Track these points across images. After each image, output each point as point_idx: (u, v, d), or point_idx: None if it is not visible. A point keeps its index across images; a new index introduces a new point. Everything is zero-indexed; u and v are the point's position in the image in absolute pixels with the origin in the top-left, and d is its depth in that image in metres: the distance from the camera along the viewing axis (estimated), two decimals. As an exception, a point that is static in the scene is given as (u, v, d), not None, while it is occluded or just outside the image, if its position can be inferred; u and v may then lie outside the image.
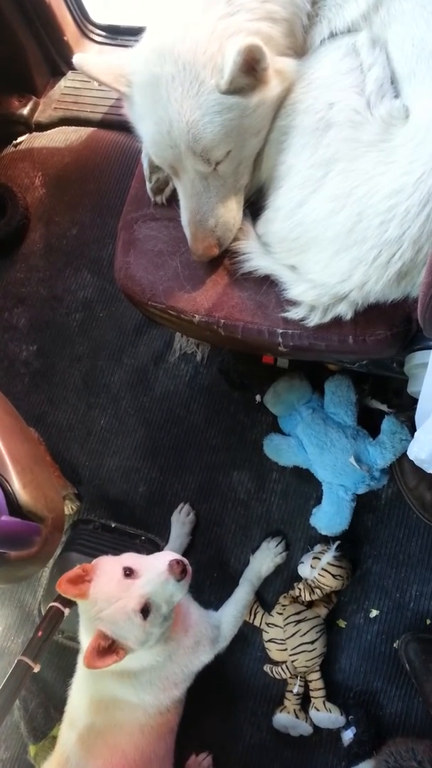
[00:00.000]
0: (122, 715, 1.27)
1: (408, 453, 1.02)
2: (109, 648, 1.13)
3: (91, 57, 1.05)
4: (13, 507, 1.16)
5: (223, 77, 0.95)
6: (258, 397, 1.82)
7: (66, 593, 1.15)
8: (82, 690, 1.31)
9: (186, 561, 1.19)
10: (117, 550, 1.69)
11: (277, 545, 1.68)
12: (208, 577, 1.72)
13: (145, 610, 1.13)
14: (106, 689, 1.27)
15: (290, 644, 1.54)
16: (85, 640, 1.20)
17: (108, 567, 1.21)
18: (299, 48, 1.06)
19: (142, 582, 1.15)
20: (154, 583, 1.15)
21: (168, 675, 1.30)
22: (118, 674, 1.25)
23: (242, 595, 1.57)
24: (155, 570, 1.16)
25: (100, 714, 1.27)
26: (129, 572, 1.17)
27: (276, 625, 1.58)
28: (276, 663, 1.60)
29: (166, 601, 1.17)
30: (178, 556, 1.19)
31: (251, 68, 0.95)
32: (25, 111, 2.28)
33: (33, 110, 2.30)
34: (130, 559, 1.23)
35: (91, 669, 1.09)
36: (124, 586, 1.15)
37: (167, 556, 1.19)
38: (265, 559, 1.66)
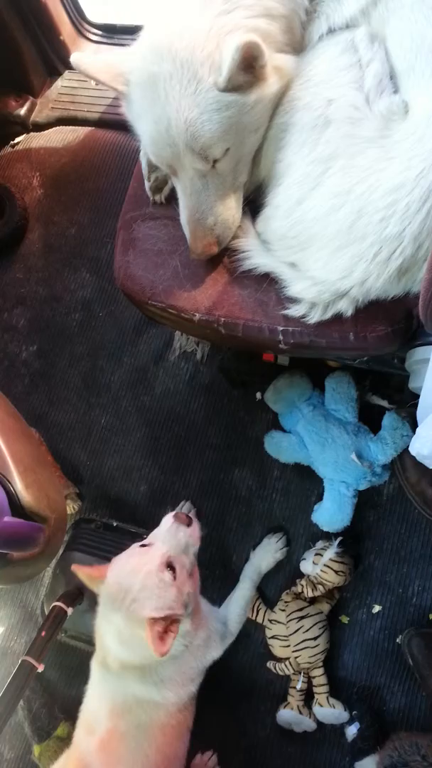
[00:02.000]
0: (145, 716, 1.26)
1: (410, 449, 1.03)
2: (164, 631, 1.13)
3: (88, 56, 1.04)
4: (16, 508, 1.16)
5: (221, 75, 0.94)
6: (258, 395, 1.82)
7: (81, 571, 1.23)
8: (102, 694, 1.29)
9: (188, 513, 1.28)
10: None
11: (277, 541, 1.69)
12: (210, 574, 1.73)
13: (171, 567, 1.17)
14: (128, 690, 1.26)
15: (293, 641, 1.54)
16: (106, 627, 1.21)
17: (123, 556, 1.24)
18: (297, 44, 1.06)
19: (158, 544, 1.21)
20: (167, 538, 1.21)
21: (185, 669, 1.30)
22: (140, 674, 1.24)
23: (244, 591, 1.57)
24: (163, 529, 1.24)
25: (123, 717, 1.26)
26: (144, 545, 1.23)
27: (279, 622, 1.59)
28: (279, 659, 1.60)
29: (184, 552, 1.22)
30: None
31: (249, 65, 0.95)
32: (22, 111, 2.28)
33: (30, 110, 2.30)
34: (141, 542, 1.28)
35: (163, 656, 1.10)
36: (143, 555, 1.20)
37: (168, 515, 1.27)
38: (266, 554, 1.66)
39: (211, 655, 1.37)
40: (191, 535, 1.24)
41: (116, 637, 1.20)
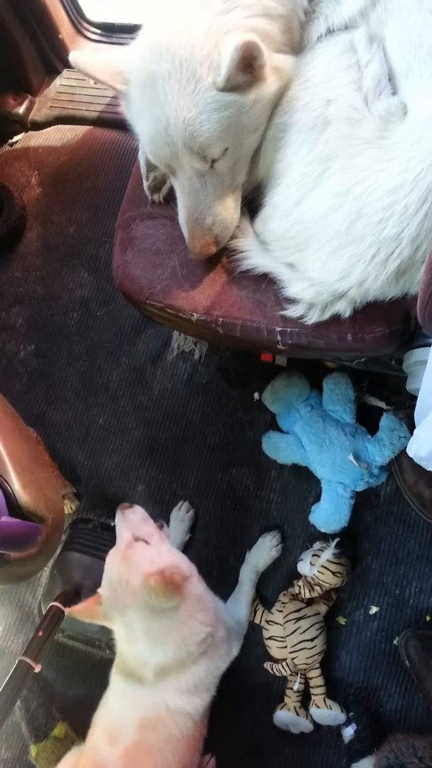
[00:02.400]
0: (176, 729, 1.26)
1: (407, 450, 1.02)
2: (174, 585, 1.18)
3: (87, 55, 1.04)
4: (13, 507, 1.16)
5: (220, 74, 0.94)
6: (256, 395, 1.82)
7: (77, 613, 1.28)
8: (131, 706, 1.28)
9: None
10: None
11: (272, 539, 1.69)
12: (208, 574, 1.70)
13: (139, 539, 1.28)
14: (162, 703, 1.26)
15: (290, 641, 1.54)
16: (130, 638, 1.24)
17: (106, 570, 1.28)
18: (296, 45, 1.06)
19: (120, 535, 1.31)
20: (121, 526, 1.32)
21: (212, 670, 1.31)
22: (175, 681, 1.25)
23: (245, 593, 1.59)
24: (118, 524, 1.34)
25: (154, 730, 1.25)
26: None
27: (276, 623, 1.58)
28: (276, 660, 1.60)
29: (144, 522, 1.33)
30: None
31: (248, 65, 0.95)
32: (21, 110, 2.27)
33: (29, 109, 2.29)
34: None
35: (175, 592, 1.16)
36: (114, 551, 1.28)
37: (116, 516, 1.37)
38: (262, 553, 1.66)
39: (231, 655, 1.39)
40: (137, 511, 1.34)
41: (145, 637, 1.21)
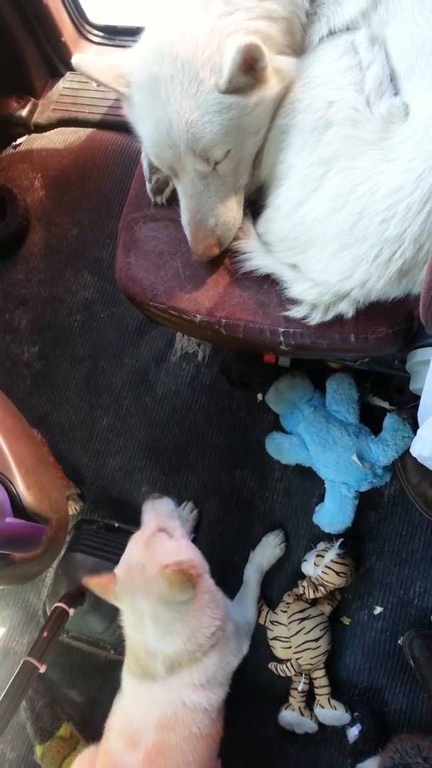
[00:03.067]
0: (195, 727, 1.25)
1: (411, 450, 1.02)
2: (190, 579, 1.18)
3: (89, 57, 1.04)
4: (18, 508, 1.16)
5: (222, 77, 0.94)
6: (260, 396, 1.82)
7: (93, 583, 1.28)
8: (149, 707, 1.27)
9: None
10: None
11: (275, 537, 1.69)
12: (212, 574, 1.71)
13: (163, 530, 1.31)
14: (179, 700, 1.25)
15: (295, 642, 1.54)
16: (141, 627, 1.24)
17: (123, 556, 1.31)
18: (298, 46, 1.06)
19: (145, 523, 1.35)
20: (148, 514, 1.36)
21: (223, 665, 1.31)
22: (188, 675, 1.25)
23: (251, 594, 1.59)
24: (145, 513, 1.38)
25: (173, 730, 1.25)
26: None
27: (280, 623, 1.59)
28: (280, 661, 1.60)
29: (170, 518, 1.36)
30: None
31: (250, 67, 0.95)
32: (24, 112, 2.28)
33: (32, 112, 2.30)
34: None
35: (190, 584, 1.16)
36: (137, 538, 1.30)
37: (144, 505, 1.41)
38: (265, 551, 1.67)
39: (242, 652, 1.39)
40: (164, 502, 1.39)
41: (154, 625, 1.22)
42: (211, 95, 0.97)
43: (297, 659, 1.54)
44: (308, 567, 1.60)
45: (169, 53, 0.96)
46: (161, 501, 1.39)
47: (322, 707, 1.54)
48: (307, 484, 1.74)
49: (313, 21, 1.05)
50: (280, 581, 1.69)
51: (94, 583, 1.28)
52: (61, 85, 2.33)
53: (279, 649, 1.59)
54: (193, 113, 0.97)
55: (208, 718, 1.27)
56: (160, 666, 1.24)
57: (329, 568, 1.55)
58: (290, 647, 1.55)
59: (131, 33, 1.09)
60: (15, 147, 2.32)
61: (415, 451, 1.01)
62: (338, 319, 1.10)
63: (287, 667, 1.57)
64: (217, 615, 1.28)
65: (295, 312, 1.12)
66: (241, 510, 1.77)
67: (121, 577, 1.25)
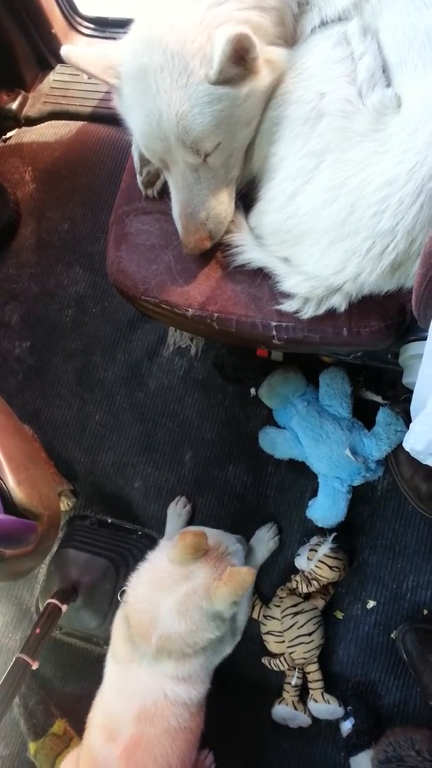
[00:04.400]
0: (174, 720, 1.26)
1: (404, 444, 1.02)
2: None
3: (79, 49, 1.03)
4: (8, 505, 1.15)
5: (212, 67, 0.93)
6: (252, 391, 1.82)
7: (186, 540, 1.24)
8: (129, 698, 1.27)
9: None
10: (114, 546, 1.70)
11: (269, 530, 1.69)
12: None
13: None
14: (160, 691, 1.25)
15: (288, 636, 1.54)
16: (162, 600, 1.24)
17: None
18: (289, 37, 1.05)
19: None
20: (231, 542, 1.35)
21: (206, 665, 1.32)
22: (173, 666, 1.25)
23: None
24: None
25: (152, 722, 1.25)
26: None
27: (273, 618, 1.59)
28: (274, 655, 1.60)
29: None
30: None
31: (241, 58, 0.94)
32: (14, 105, 2.26)
33: (22, 105, 2.28)
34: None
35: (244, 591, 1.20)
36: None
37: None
38: (259, 546, 1.67)
39: (225, 652, 1.39)
40: (238, 545, 1.37)
41: (179, 599, 1.22)
42: (201, 86, 0.96)
43: (290, 653, 1.54)
44: (301, 561, 1.61)
45: (159, 44, 0.95)
46: (237, 541, 1.39)
47: (316, 701, 1.55)
48: (301, 478, 1.74)
49: (304, 11, 1.04)
50: (273, 576, 1.70)
51: (192, 541, 1.24)
52: (52, 77, 2.31)
53: (272, 644, 1.59)
54: (184, 105, 0.96)
55: (187, 711, 1.28)
56: (154, 642, 1.23)
57: (322, 562, 1.55)
58: (283, 641, 1.55)
59: (122, 24, 1.07)
60: (5, 140, 2.30)
61: (407, 445, 1.00)
62: (331, 313, 1.10)
63: (281, 662, 1.57)
64: (221, 628, 1.28)
65: (288, 306, 1.11)
66: (235, 505, 1.77)
67: (209, 542, 1.27)
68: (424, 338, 1.12)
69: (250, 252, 1.13)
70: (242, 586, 1.18)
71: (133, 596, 1.30)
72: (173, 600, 1.22)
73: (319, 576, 1.56)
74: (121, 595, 1.34)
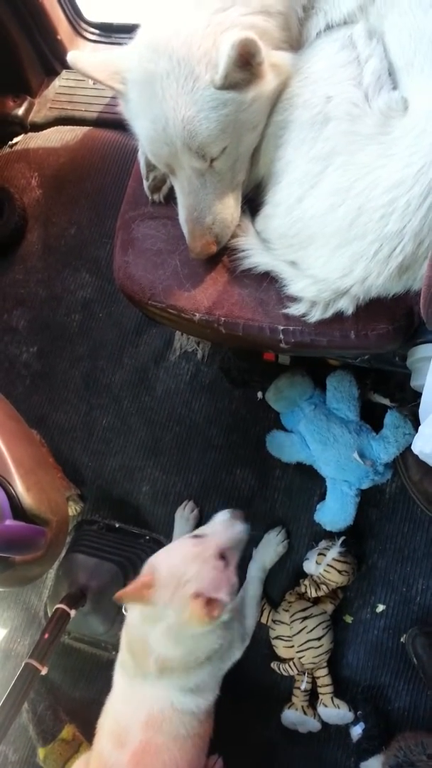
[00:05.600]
0: (183, 728, 1.25)
1: (412, 447, 1.02)
2: (208, 604, 1.15)
3: (85, 54, 1.03)
4: (17, 510, 1.15)
5: (217, 72, 0.93)
6: (260, 394, 1.82)
7: (128, 596, 1.19)
8: (137, 706, 1.27)
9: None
10: (121, 550, 1.70)
11: (277, 534, 1.69)
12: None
13: (223, 557, 1.22)
14: (167, 700, 1.25)
15: (297, 641, 1.54)
16: (151, 628, 1.20)
17: (162, 551, 1.27)
18: (295, 41, 1.05)
19: (212, 536, 1.26)
20: (222, 531, 1.28)
21: (215, 673, 1.31)
22: (178, 681, 1.24)
23: (254, 591, 1.57)
24: (218, 521, 1.32)
25: (160, 729, 1.24)
26: (196, 536, 1.28)
27: (282, 622, 1.58)
28: (283, 660, 1.60)
29: (236, 547, 1.27)
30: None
31: (246, 63, 0.94)
32: (20, 111, 2.27)
33: (28, 110, 2.30)
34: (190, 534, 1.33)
35: (211, 621, 1.13)
36: (196, 545, 1.23)
37: (223, 512, 1.34)
38: (268, 550, 1.66)
39: (235, 657, 1.38)
40: (243, 531, 1.30)
41: (164, 631, 1.19)
42: (207, 91, 0.96)
43: (299, 658, 1.54)
44: (310, 565, 1.60)
45: (165, 49, 0.95)
46: (239, 526, 1.31)
47: (325, 706, 1.54)
48: (308, 482, 1.73)
49: (310, 15, 1.04)
50: (281, 580, 1.69)
51: (131, 595, 1.19)
52: (58, 83, 2.32)
53: (281, 648, 1.58)
54: (190, 110, 0.96)
55: (195, 720, 1.27)
56: (152, 665, 1.22)
57: (331, 566, 1.55)
58: (293, 646, 1.55)
59: (127, 30, 1.08)
60: (11, 146, 2.31)
61: (416, 448, 1.00)
62: (338, 316, 1.09)
63: (290, 666, 1.57)
64: (224, 635, 1.27)
65: (295, 309, 1.11)
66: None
67: (159, 579, 1.19)
68: (432, 341, 1.12)
69: (256, 256, 1.13)
70: (204, 620, 1.13)
71: (129, 619, 1.29)
72: (158, 631, 1.19)
73: (328, 580, 1.55)
74: (125, 609, 1.32)
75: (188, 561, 1.20)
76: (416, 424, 1.52)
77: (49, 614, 1.53)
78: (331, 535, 1.64)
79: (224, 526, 1.30)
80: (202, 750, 1.32)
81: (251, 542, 1.69)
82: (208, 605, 1.12)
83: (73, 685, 1.72)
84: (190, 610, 1.13)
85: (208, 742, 1.34)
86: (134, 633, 1.26)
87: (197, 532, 1.32)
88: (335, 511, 1.60)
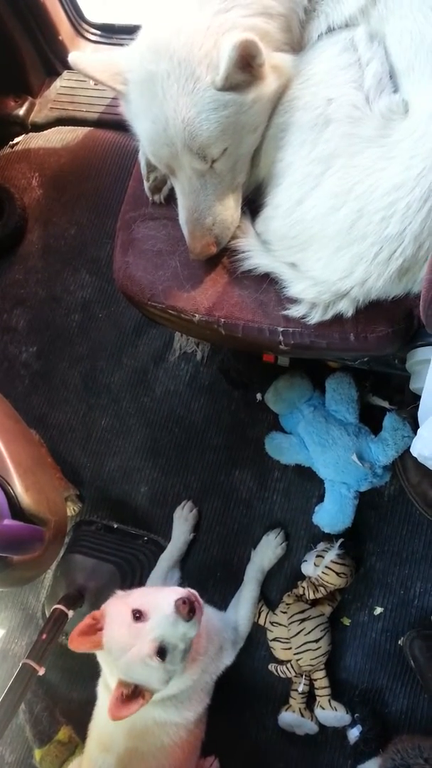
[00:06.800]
0: (167, 738, 1.24)
1: (411, 450, 1.02)
2: (133, 693, 1.11)
3: (86, 55, 1.04)
4: (16, 510, 1.15)
5: (218, 74, 0.94)
6: (259, 396, 1.81)
7: (79, 648, 1.14)
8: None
9: (195, 596, 1.14)
10: (119, 551, 1.70)
11: (276, 536, 1.68)
12: (211, 576, 1.72)
13: (162, 652, 1.10)
14: (148, 716, 1.24)
15: (295, 643, 1.54)
16: (111, 683, 1.18)
17: (117, 610, 1.18)
18: (296, 43, 1.05)
19: (152, 625, 1.11)
20: (164, 625, 1.11)
21: (202, 686, 1.30)
22: (160, 701, 1.23)
23: (251, 593, 1.58)
24: (162, 612, 1.12)
25: (143, 739, 1.24)
26: (138, 615, 1.14)
27: (280, 624, 1.58)
28: (281, 662, 1.60)
29: (180, 640, 1.13)
30: (184, 594, 1.13)
31: (247, 64, 0.95)
32: (21, 111, 2.27)
33: (29, 110, 2.29)
34: (138, 599, 1.19)
35: (116, 720, 1.08)
36: (135, 631, 1.12)
37: (173, 594, 1.13)
38: (266, 552, 1.66)
39: (224, 664, 1.37)
40: (192, 627, 1.13)
41: (123, 667, 1.15)
42: (207, 92, 0.96)
43: (297, 660, 1.54)
44: (308, 567, 1.60)
45: (166, 50, 0.96)
46: (182, 628, 1.11)
47: (323, 708, 1.54)
48: (307, 484, 1.73)
49: (311, 18, 1.04)
50: (279, 582, 1.69)
51: (83, 645, 1.15)
52: (59, 83, 2.32)
53: (279, 651, 1.58)
54: (190, 111, 0.97)
55: (182, 729, 1.27)
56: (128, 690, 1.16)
57: (329, 568, 1.55)
58: (290, 648, 1.55)
59: (128, 31, 1.08)
60: (12, 146, 2.31)
61: (415, 451, 1.00)
62: (338, 318, 1.09)
63: (287, 669, 1.56)
64: (198, 648, 1.24)
65: (295, 311, 1.11)
66: (241, 510, 1.77)
67: (105, 637, 1.16)
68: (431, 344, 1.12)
69: (256, 257, 1.13)
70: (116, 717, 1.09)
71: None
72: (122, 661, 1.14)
73: (326, 582, 1.55)
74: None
75: (123, 644, 1.12)
76: (415, 426, 1.52)
77: (47, 615, 1.53)
78: (329, 537, 1.64)
79: (167, 620, 1.11)
80: (193, 753, 1.32)
81: (249, 543, 1.70)
82: (125, 702, 1.10)
83: (70, 686, 1.71)
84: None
85: (199, 746, 1.34)
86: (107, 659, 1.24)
87: (141, 605, 1.16)
88: (333, 513, 1.60)
